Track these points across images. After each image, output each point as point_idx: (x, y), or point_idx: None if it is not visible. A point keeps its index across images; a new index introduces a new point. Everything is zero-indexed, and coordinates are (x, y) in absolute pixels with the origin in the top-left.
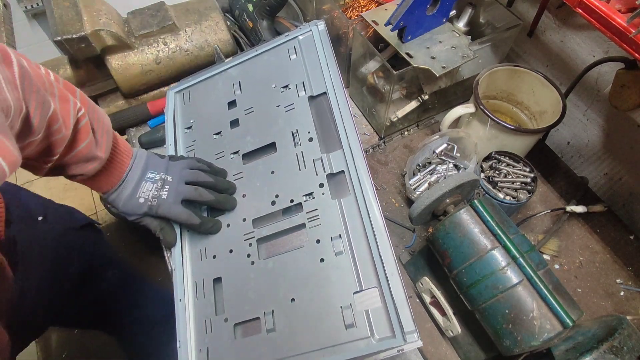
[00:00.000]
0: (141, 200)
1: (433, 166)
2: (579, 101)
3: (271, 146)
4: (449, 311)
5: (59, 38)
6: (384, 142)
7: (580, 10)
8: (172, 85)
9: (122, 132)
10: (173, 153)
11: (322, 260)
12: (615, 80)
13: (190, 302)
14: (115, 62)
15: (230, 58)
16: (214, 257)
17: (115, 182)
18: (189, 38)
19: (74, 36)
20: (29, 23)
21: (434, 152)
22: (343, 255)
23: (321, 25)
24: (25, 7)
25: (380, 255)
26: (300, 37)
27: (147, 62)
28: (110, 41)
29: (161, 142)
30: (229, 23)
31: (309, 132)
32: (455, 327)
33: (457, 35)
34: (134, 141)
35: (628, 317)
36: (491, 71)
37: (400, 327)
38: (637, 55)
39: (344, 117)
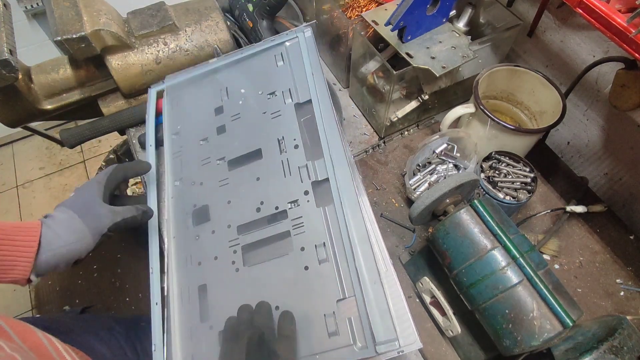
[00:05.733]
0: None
1: (433, 166)
2: (579, 101)
3: (257, 153)
4: (449, 311)
5: (59, 38)
6: (384, 142)
7: (580, 10)
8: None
9: (122, 132)
10: (153, 155)
11: (306, 268)
12: (615, 80)
13: (176, 309)
14: (115, 62)
15: (215, 59)
16: (199, 263)
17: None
18: (189, 38)
19: (74, 36)
20: (29, 23)
21: (434, 152)
22: (327, 263)
23: (308, 31)
24: (25, 7)
25: (355, 267)
26: (287, 44)
27: (147, 62)
28: (110, 41)
29: (161, 142)
30: (229, 23)
31: (294, 140)
32: (455, 327)
33: (457, 35)
34: (134, 141)
35: (628, 317)
36: (491, 71)
37: (373, 338)
38: (637, 55)
39: (327, 126)
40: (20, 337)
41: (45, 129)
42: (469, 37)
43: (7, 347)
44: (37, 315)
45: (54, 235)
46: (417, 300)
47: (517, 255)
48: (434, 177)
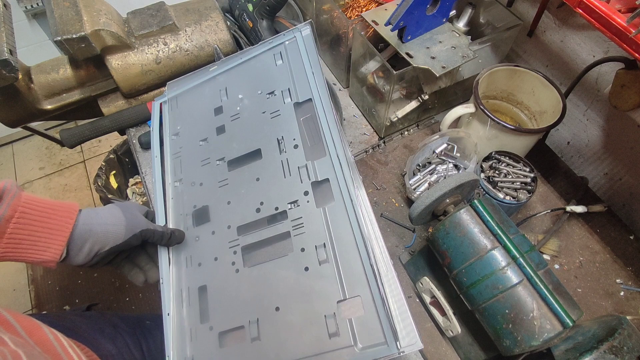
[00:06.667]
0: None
1: (433, 166)
2: (579, 101)
3: (256, 153)
4: (449, 311)
5: (59, 38)
6: (384, 142)
7: (580, 10)
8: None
9: (122, 132)
10: (159, 164)
11: (306, 269)
12: (615, 80)
13: (176, 310)
14: (115, 62)
15: (216, 66)
16: (199, 264)
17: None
18: (189, 38)
19: (74, 36)
20: (29, 23)
21: (434, 152)
22: (327, 264)
23: (305, 30)
24: (25, 7)
25: (355, 267)
26: (287, 43)
27: (147, 62)
28: (110, 41)
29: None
30: (229, 23)
31: (294, 139)
32: (455, 327)
33: (457, 35)
34: (134, 141)
35: (628, 317)
36: (491, 71)
37: (373, 339)
38: (637, 55)
39: (330, 124)
40: (27, 331)
41: (45, 129)
42: (469, 37)
43: (12, 342)
44: (44, 312)
45: (93, 213)
46: (417, 300)
47: (517, 255)
48: (434, 177)
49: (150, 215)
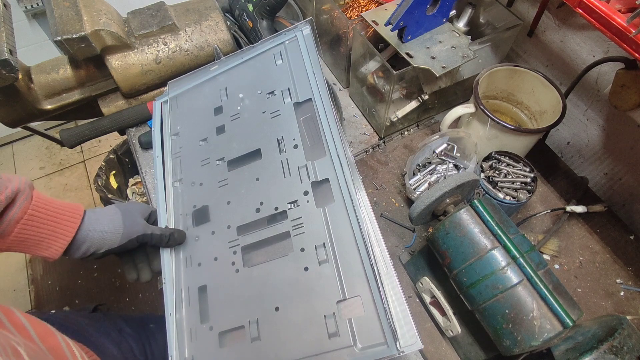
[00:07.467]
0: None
1: (433, 166)
2: (579, 101)
3: (256, 153)
4: (449, 311)
5: (59, 38)
6: (384, 142)
7: (581, 10)
8: (160, 93)
9: (122, 132)
10: (161, 164)
11: (306, 269)
12: (615, 80)
13: (175, 311)
14: (115, 62)
15: (217, 66)
16: (199, 264)
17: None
18: (189, 38)
19: (74, 36)
20: (29, 23)
21: (434, 152)
22: (327, 264)
23: (306, 29)
24: (25, 7)
25: (355, 268)
26: (287, 42)
27: (147, 62)
28: (110, 41)
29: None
30: (229, 23)
31: (294, 139)
32: (455, 327)
33: (457, 35)
34: (134, 141)
35: (628, 317)
36: (491, 71)
37: (373, 339)
38: (637, 55)
39: (330, 124)
40: (40, 337)
41: (45, 129)
42: (469, 37)
43: (26, 352)
44: (52, 311)
45: (94, 219)
46: (417, 300)
47: (517, 255)
48: (434, 177)
49: (153, 216)
